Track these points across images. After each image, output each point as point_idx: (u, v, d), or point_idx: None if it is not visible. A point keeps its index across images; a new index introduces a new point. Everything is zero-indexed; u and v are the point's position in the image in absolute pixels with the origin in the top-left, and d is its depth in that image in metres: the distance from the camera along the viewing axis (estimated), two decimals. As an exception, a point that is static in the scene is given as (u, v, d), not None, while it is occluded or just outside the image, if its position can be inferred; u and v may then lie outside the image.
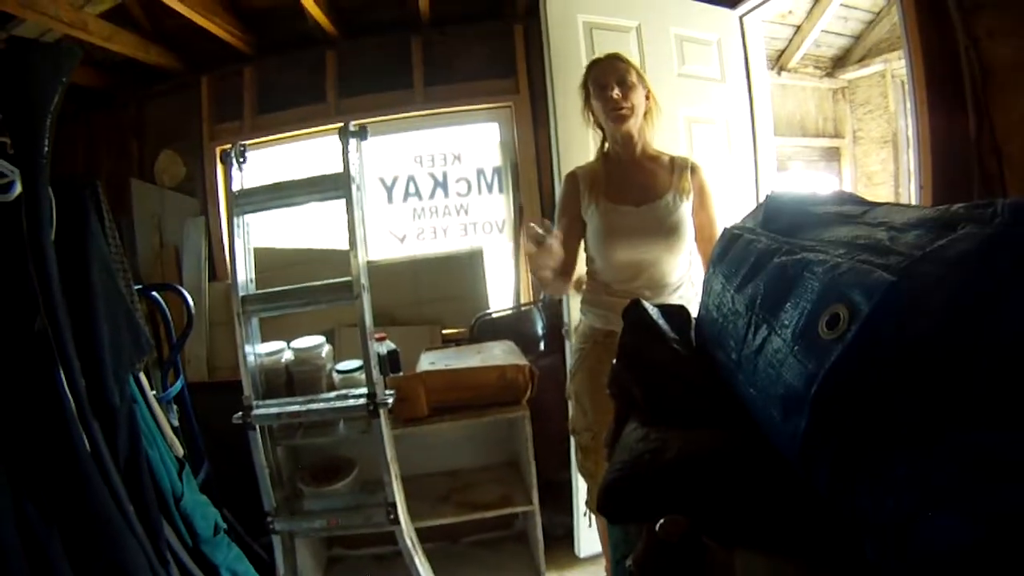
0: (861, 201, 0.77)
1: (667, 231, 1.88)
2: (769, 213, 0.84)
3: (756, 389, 0.66)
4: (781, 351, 0.61)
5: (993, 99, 1.68)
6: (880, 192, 4.80)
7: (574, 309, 2.30)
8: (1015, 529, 0.42)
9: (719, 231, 1.94)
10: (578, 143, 2.25)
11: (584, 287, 2.05)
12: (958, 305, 0.48)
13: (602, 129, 1.98)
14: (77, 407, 1.46)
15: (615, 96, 1.85)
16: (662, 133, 1.99)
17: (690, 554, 0.56)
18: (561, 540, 2.73)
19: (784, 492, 0.62)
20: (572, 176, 1.99)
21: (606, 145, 1.99)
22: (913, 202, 1.98)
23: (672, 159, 1.97)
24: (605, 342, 1.90)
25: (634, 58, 2.03)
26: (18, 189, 1.50)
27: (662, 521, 0.57)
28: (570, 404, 2.06)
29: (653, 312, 0.94)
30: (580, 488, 2.47)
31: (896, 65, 4.36)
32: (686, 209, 1.91)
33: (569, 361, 2.06)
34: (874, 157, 4.92)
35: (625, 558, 0.74)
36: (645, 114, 1.92)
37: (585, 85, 1.97)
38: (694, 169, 1.96)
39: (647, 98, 1.92)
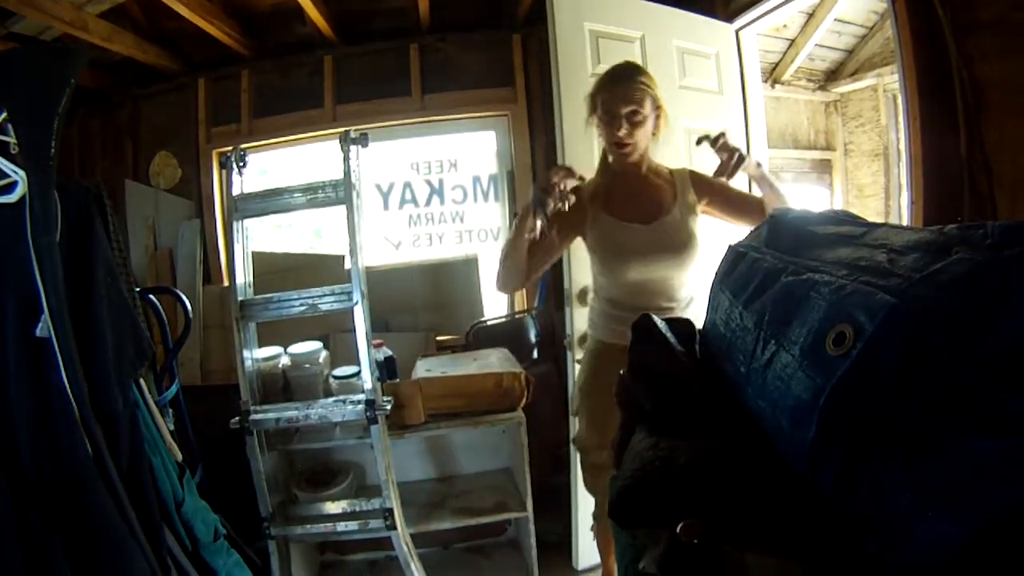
0: (858, 221, 0.81)
1: (678, 247, 1.84)
2: (772, 232, 0.88)
3: (765, 401, 0.69)
4: (790, 366, 0.64)
5: (984, 118, 1.72)
6: (870, 204, 4.88)
7: (577, 319, 2.33)
8: (1008, 531, 0.45)
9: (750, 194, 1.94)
10: (583, 151, 2.25)
11: (591, 303, 2.03)
12: (952, 325, 0.52)
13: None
14: (80, 412, 1.46)
15: (621, 134, 1.80)
16: (663, 146, 1.98)
17: (709, 555, 0.59)
18: (553, 548, 2.72)
19: (791, 496, 0.65)
20: (576, 189, 1.80)
21: (609, 157, 1.94)
22: (904, 215, 2.02)
23: (671, 172, 1.96)
24: (617, 357, 1.83)
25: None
26: (20, 190, 1.50)
27: (682, 524, 0.60)
28: (577, 421, 1.99)
29: (661, 325, 0.97)
30: (580, 498, 2.44)
31: (888, 79, 4.43)
32: (694, 222, 1.88)
33: (578, 377, 2.01)
34: (865, 170, 4.99)
35: (633, 562, 0.76)
36: (653, 133, 1.87)
37: (594, 97, 1.87)
38: (691, 175, 1.95)
39: (658, 117, 1.86)
